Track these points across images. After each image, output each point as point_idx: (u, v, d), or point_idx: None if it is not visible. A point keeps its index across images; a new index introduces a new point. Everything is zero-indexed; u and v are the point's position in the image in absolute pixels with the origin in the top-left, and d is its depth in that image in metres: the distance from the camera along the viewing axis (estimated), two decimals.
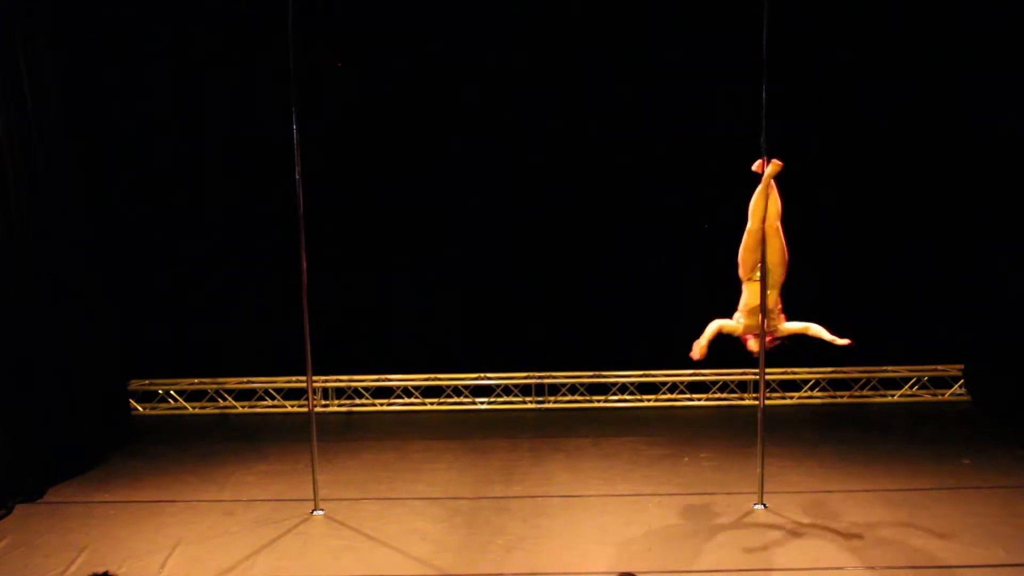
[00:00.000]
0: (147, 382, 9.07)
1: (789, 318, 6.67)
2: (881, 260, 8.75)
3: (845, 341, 6.25)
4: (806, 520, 6.41)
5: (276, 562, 6.03)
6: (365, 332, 8.99)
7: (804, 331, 6.49)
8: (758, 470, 6.63)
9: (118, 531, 6.46)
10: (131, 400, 8.89)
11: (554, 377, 9.01)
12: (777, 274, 6.55)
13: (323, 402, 9.01)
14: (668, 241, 8.80)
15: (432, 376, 9.05)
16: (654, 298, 8.84)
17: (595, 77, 8.57)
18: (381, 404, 9.05)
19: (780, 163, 6.46)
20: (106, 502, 6.95)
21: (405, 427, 8.59)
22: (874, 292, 8.79)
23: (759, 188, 6.46)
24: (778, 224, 6.53)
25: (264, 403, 9.07)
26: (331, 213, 8.50)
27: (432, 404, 9.02)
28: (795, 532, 6.27)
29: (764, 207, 6.46)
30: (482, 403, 9.03)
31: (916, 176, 8.63)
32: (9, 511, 6.74)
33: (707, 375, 8.95)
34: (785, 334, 6.56)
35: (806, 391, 8.96)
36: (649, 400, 8.98)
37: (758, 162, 6.50)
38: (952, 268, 8.68)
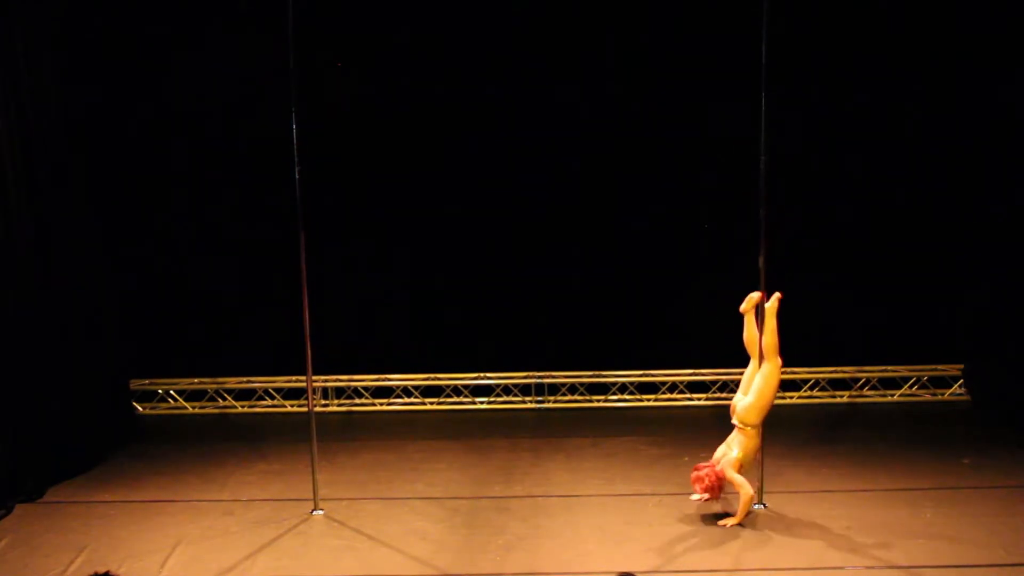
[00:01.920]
0: (147, 382, 9.07)
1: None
2: (881, 260, 8.75)
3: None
4: (806, 520, 6.41)
5: (276, 562, 6.02)
6: (365, 332, 8.99)
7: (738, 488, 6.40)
8: (758, 470, 6.63)
9: (118, 531, 6.46)
10: (131, 400, 8.90)
11: (554, 377, 9.01)
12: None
13: (323, 402, 9.01)
14: (669, 241, 8.80)
15: (432, 376, 9.05)
16: (654, 298, 8.85)
17: (597, 78, 8.57)
18: (381, 404, 9.05)
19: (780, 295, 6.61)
20: (106, 502, 6.95)
21: (405, 427, 8.59)
22: (874, 292, 8.79)
23: (768, 323, 6.50)
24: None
25: (264, 403, 9.07)
26: (332, 213, 8.52)
27: (432, 404, 9.02)
28: (795, 532, 6.26)
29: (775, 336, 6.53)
30: (482, 403, 9.03)
31: (916, 176, 8.64)
32: (9, 511, 6.74)
33: (707, 375, 8.95)
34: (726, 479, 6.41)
35: (806, 391, 8.96)
36: (649, 400, 8.98)
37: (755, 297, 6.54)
38: (952, 268, 8.68)
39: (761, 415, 6.44)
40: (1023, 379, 8.18)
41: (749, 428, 6.42)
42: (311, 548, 6.20)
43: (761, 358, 6.52)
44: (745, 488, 6.37)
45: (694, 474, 6.43)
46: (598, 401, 9.01)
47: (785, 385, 8.91)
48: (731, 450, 6.47)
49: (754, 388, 6.46)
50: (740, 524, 6.34)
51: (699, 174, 8.69)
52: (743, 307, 6.61)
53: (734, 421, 6.49)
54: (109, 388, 8.21)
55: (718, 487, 6.38)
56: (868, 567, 5.80)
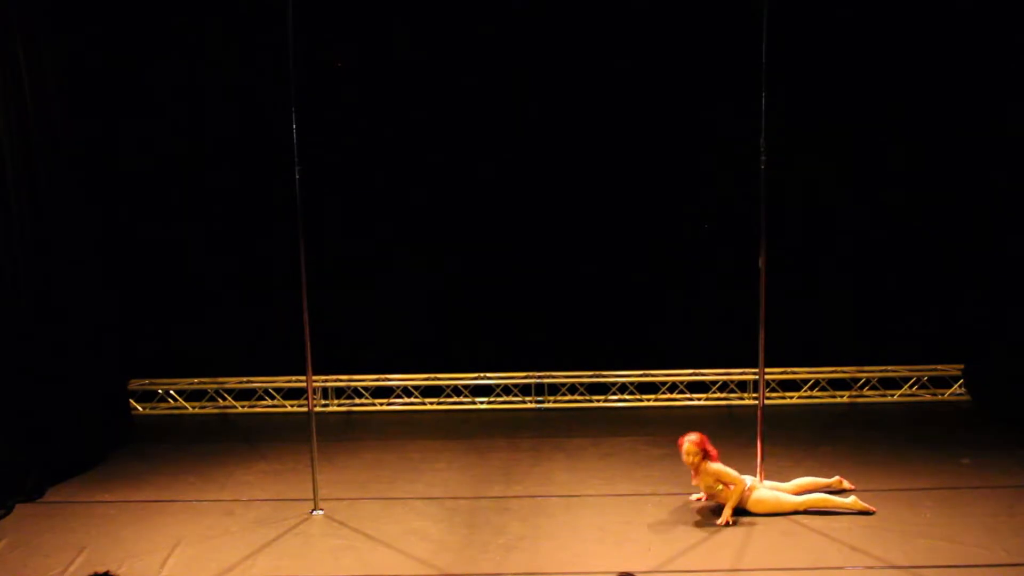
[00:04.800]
0: (147, 382, 9.07)
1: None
2: (882, 260, 8.75)
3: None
4: (806, 520, 6.41)
5: (276, 562, 6.03)
6: (365, 332, 8.98)
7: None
8: (758, 470, 6.64)
9: (118, 531, 6.47)
10: (131, 400, 8.89)
11: (554, 377, 9.01)
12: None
13: (323, 402, 9.01)
14: (669, 241, 8.80)
15: (432, 376, 9.05)
16: (654, 298, 8.85)
17: (597, 78, 8.57)
18: (381, 404, 9.04)
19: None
20: (106, 502, 6.96)
21: (405, 427, 8.58)
22: (875, 292, 8.80)
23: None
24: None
25: (264, 403, 9.07)
26: (332, 212, 8.52)
27: (432, 404, 9.02)
28: (795, 532, 6.27)
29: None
30: (482, 403, 9.03)
31: (916, 176, 8.63)
32: (9, 511, 6.74)
33: (707, 375, 8.95)
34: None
35: (806, 391, 8.95)
36: (649, 400, 8.97)
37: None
38: (953, 268, 8.69)
39: (755, 502, 6.51)
40: (1023, 379, 8.18)
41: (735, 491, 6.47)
42: (311, 548, 6.21)
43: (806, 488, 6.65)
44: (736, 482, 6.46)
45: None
46: (598, 401, 9.00)
47: (785, 385, 8.93)
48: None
49: (777, 496, 6.52)
50: (731, 522, 6.36)
51: (699, 174, 8.68)
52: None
53: (753, 482, 6.54)
54: (109, 388, 8.21)
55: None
56: (868, 567, 5.80)
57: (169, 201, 8.76)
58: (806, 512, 6.47)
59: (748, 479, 6.55)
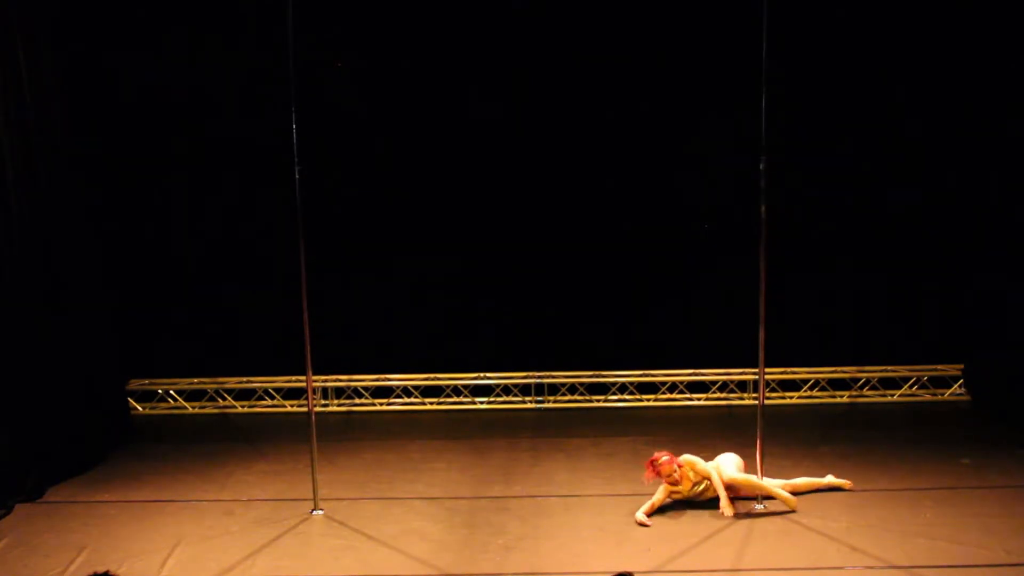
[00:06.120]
0: (147, 382, 9.07)
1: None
2: (881, 260, 8.75)
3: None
4: (806, 520, 6.41)
5: (276, 562, 6.03)
6: (365, 332, 8.99)
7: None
8: (758, 470, 6.63)
9: (118, 531, 6.47)
10: (131, 400, 8.90)
11: (554, 377, 9.01)
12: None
13: (323, 402, 9.01)
14: (669, 241, 8.80)
15: (432, 376, 9.05)
16: (654, 298, 8.85)
17: (596, 79, 8.57)
18: (381, 404, 9.04)
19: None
20: (106, 502, 6.96)
21: (405, 427, 8.58)
22: (875, 291, 8.80)
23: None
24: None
25: (264, 403, 9.07)
26: (332, 212, 8.52)
27: (432, 404, 9.02)
28: (795, 532, 6.27)
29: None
30: (482, 403, 9.03)
31: (917, 176, 8.64)
32: (9, 511, 6.74)
33: (707, 375, 8.95)
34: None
35: (806, 391, 8.95)
36: (649, 400, 8.98)
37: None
38: (953, 268, 8.69)
39: (736, 480, 6.59)
40: (1023, 379, 8.18)
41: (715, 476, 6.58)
42: (311, 548, 6.21)
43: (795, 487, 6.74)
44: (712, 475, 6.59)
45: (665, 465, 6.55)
46: (598, 401, 9.00)
47: (785, 385, 8.93)
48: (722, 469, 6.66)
49: (749, 478, 6.61)
50: (735, 516, 6.43)
51: (699, 174, 8.69)
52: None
53: (729, 473, 6.60)
54: (109, 388, 8.20)
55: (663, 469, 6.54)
56: (868, 567, 5.80)
57: (169, 201, 8.77)
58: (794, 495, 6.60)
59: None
